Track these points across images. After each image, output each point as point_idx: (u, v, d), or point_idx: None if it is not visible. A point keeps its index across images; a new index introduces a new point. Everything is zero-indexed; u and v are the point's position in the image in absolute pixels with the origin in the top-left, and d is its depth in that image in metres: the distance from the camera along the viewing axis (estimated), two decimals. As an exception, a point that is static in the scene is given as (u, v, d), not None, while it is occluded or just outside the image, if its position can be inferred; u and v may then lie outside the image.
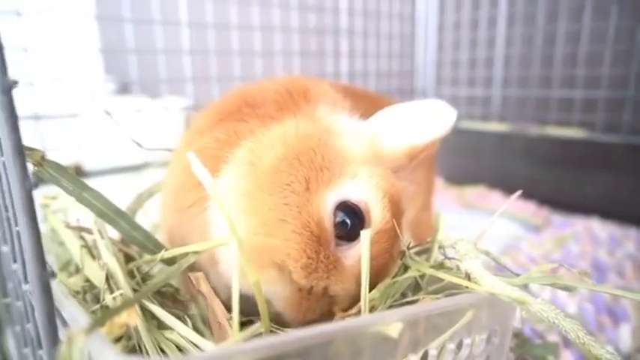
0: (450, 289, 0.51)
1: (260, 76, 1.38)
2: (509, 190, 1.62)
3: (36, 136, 1.03)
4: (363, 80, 1.69)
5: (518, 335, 0.74)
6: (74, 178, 0.51)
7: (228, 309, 0.46)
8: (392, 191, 0.50)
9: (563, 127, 1.56)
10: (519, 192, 0.62)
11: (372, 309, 0.49)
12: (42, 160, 0.48)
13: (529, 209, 1.50)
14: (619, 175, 1.41)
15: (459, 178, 1.78)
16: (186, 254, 0.48)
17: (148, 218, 0.82)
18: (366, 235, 0.46)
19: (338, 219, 0.47)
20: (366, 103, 0.91)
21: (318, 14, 1.53)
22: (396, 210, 0.50)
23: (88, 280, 0.56)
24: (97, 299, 0.52)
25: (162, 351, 0.39)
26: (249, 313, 0.48)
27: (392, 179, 0.53)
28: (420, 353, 0.43)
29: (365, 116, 0.69)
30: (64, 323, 0.39)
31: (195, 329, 0.45)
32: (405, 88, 1.82)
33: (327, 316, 0.49)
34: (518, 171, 1.66)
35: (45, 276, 0.32)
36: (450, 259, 0.54)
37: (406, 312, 0.41)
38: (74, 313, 0.37)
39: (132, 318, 0.38)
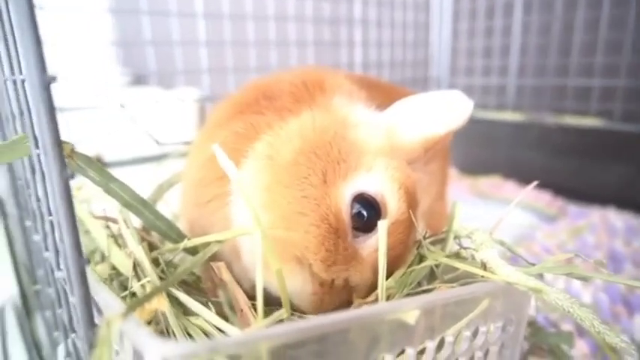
0: (465, 279, 0.52)
1: (275, 67, 1.38)
2: (523, 180, 1.62)
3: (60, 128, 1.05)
4: (377, 70, 1.69)
5: (532, 324, 0.75)
6: (101, 169, 0.53)
7: (250, 298, 0.48)
8: (407, 183, 0.51)
9: (580, 117, 1.54)
10: (535, 182, 0.62)
11: (389, 297, 0.50)
12: (72, 153, 0.50)
13: (544, 199, 1.50)
14: (637, 165, 1.40)
15: (473, 167, 1.78)
16: (208, 244, 0.50)
17: (168, 208, 0.84)
18: (383, 225, 0.47)
19: (355, 210, 0.48)
20: (382, 94, 0.91)
21: (333, 4, 1.53)
22: (411, 201, 0.51)
23: (114, 268, 0.58)
24: (123, 286, 0.54)
25: (189, 335, 0.41)
26: (268, 305, 0.50)
27: (408, 171, 0.54)
28: (437, 340, 0.44)
29: (381, 107, 0.69)
30: (98, 309, 0.41)
31: (220, 315, 0.47)
32: (419, 77, 1.81)
33: (346, 305, 0.50)
34: (533, 161, 1.65)
35: (82, 262, 0.33)
36: (465, 248, 0.55)
37: (423, 300, 0.42)
38: (107, 299, 0.39)
39: (161, 304, 0.40)
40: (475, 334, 0.47)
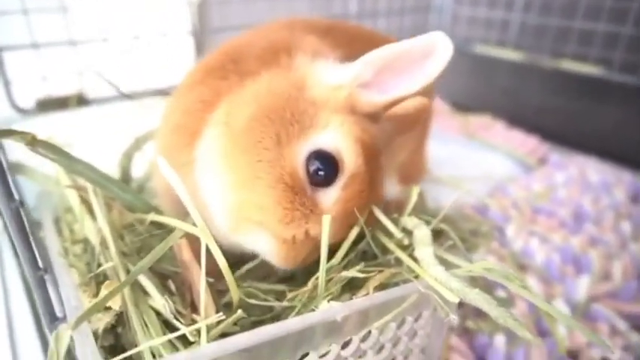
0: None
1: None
2: (515, 120, 1.61)
3: (36, 66, 1.04)
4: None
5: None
6: (64, 152, 0.55)
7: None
8: (364, 136, 0.52)
9: (579, 63, 1.48)
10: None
11: (329, 281, 0.54)
12: (33, 141, 0.52)
13: (528, 145, 1.50)
14: (626, 117, 1.39)
15: (466, 102, 1.75)
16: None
17: (145, 158, 0.86)
18: (326, 219, 0.49)
19: (313, 167, 0.50)
20: (359, 48, 0.88)
21: None
22: (369, 153, 0.52)
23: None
24: (92, 255, 0.59)
25: (146, 325, 0.47)
26: (244, 261, 0.55)
27: (365, 124, 0.54)
28: (365, 330, 0.50)
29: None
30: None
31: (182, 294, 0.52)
32: (420, 5, 1.70)
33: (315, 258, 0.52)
34: (526, 102, 1.63)
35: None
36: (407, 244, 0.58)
37: (352, 305, 0.47)
38: (77, 305, 0.44)
39: (115, 304, 0.45)
40: (402, 323, 0.53)
